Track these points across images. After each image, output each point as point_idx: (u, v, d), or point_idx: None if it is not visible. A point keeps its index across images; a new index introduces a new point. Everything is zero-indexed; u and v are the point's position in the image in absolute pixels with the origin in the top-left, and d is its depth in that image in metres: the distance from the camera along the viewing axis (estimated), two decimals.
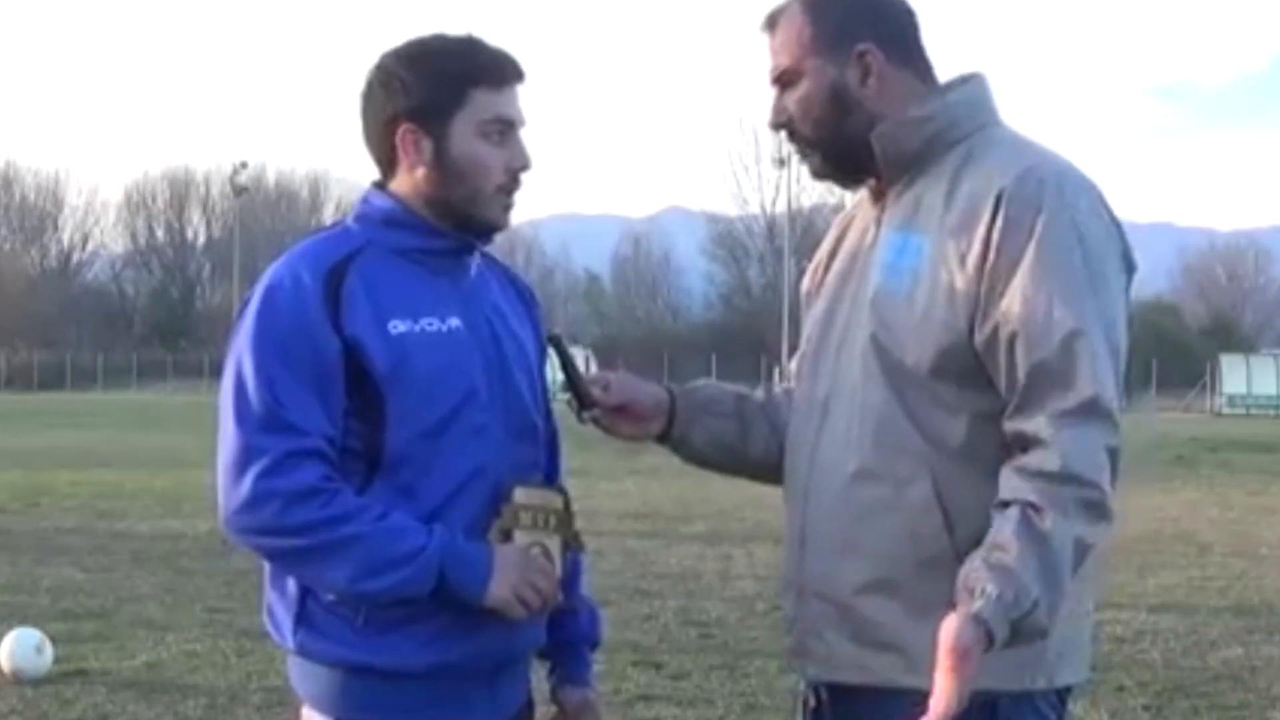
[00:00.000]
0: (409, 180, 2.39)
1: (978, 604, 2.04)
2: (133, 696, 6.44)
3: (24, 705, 6.29)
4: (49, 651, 6.79)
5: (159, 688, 6.62)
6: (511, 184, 2.39)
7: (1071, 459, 2.12)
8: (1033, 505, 2.10)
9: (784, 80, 2.38)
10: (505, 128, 2.36)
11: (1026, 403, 2.17)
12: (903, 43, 2.37)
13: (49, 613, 8.30)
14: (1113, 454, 2.15)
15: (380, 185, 2.44)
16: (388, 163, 2.41)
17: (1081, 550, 2.12)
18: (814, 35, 2.34)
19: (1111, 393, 2.15)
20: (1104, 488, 2.13)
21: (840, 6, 2.36)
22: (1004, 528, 2.10)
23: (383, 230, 2.39)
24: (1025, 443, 2.16)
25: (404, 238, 2.39)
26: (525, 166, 2.39)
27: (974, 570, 2.08)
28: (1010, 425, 2.18)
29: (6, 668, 6.70)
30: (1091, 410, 2.13)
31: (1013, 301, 2.17)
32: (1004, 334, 2.18)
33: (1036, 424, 2.15)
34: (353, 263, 2.34)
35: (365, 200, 2.44)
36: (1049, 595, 2.08)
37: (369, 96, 2.39)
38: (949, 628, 2.04)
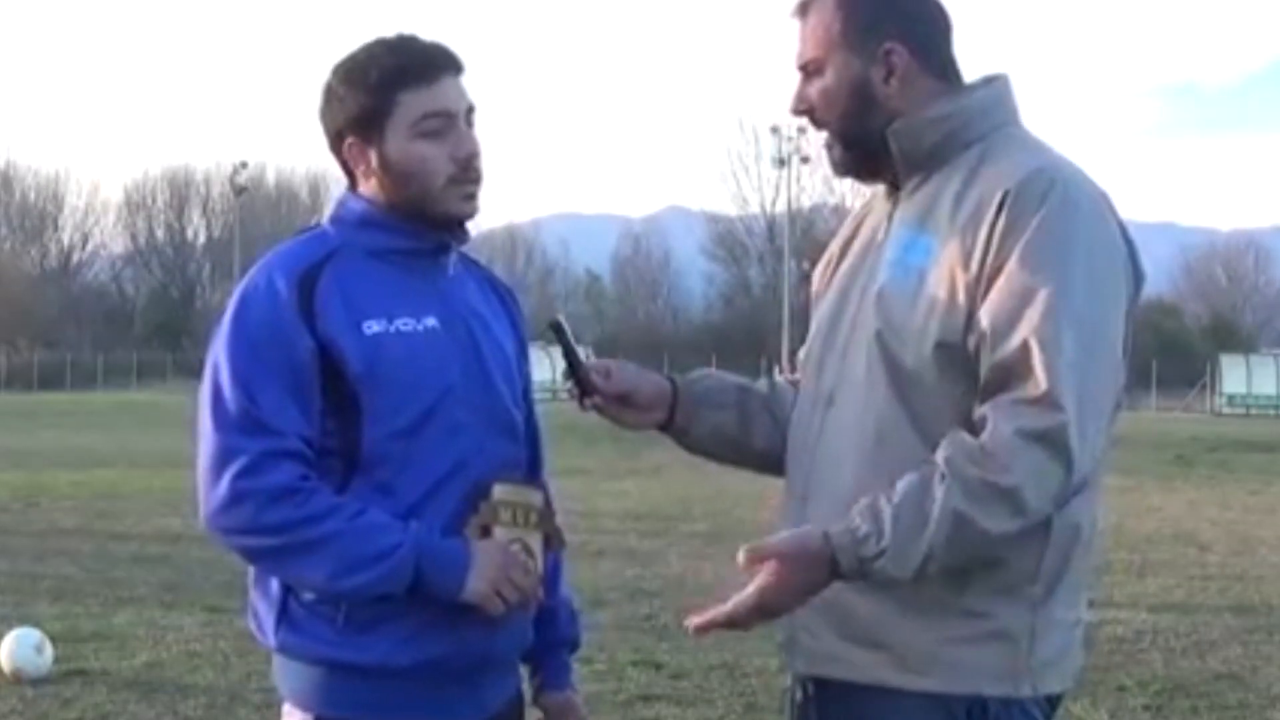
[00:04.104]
0: (368, 189, 2.43)
1: (836, 526, 2.13)
2: (133, 696, 6.44)
3: (24, 705, 6.29)
4: (49, 651, 6.79)
5: (159, 688, 6.62)
6: (463, 173, 2.40)
7: (994, 440, 2.10)
8: (940, 470, 2.12)
9: (809, 69, 2.40)
10: (443, 121, 2.38)
11: (983, 395, 2.17)
12: (931, 45, 2.38)
13: (49, 613, 8.31)
14: (1050, 445, 2.09)
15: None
16: (349, 174, 2.46)
17: (963, 526, 2.09)
18: (843, 28, 2.36)
19: (1068, 394, 2.10)
20: (1014, 473, 2.08)
21: (873, 2, 2.37)
22: (906, 477, 2.14)
23: (358, 232, 2.42)
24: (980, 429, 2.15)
25: (379, 239, 2.42)
26: (471, 153, 2.40)
27: (859, 503, 2.14)
28: (974, 415, 2.17)
29: (6, 668, 6.70)
30: (1037, 404, 2.10)
31: (990, 298, 2.18)
32: (981, 331, 2.18)
33: (984, 410, 2.15)
34: (327, 265, 2.37)
35: (341, 204, 2.48)
36: (904, 548, 2.09)
37: (320, 113, 2.45)
38: (794, 531, 2.15)
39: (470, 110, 2.42)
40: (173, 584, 9.55)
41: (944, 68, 2.39)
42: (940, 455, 2.13)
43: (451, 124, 2.39)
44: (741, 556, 2.14)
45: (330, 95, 2.42)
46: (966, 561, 2.16)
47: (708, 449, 2.61)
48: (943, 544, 2.10)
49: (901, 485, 2.13)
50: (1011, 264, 2.17)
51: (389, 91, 2.36)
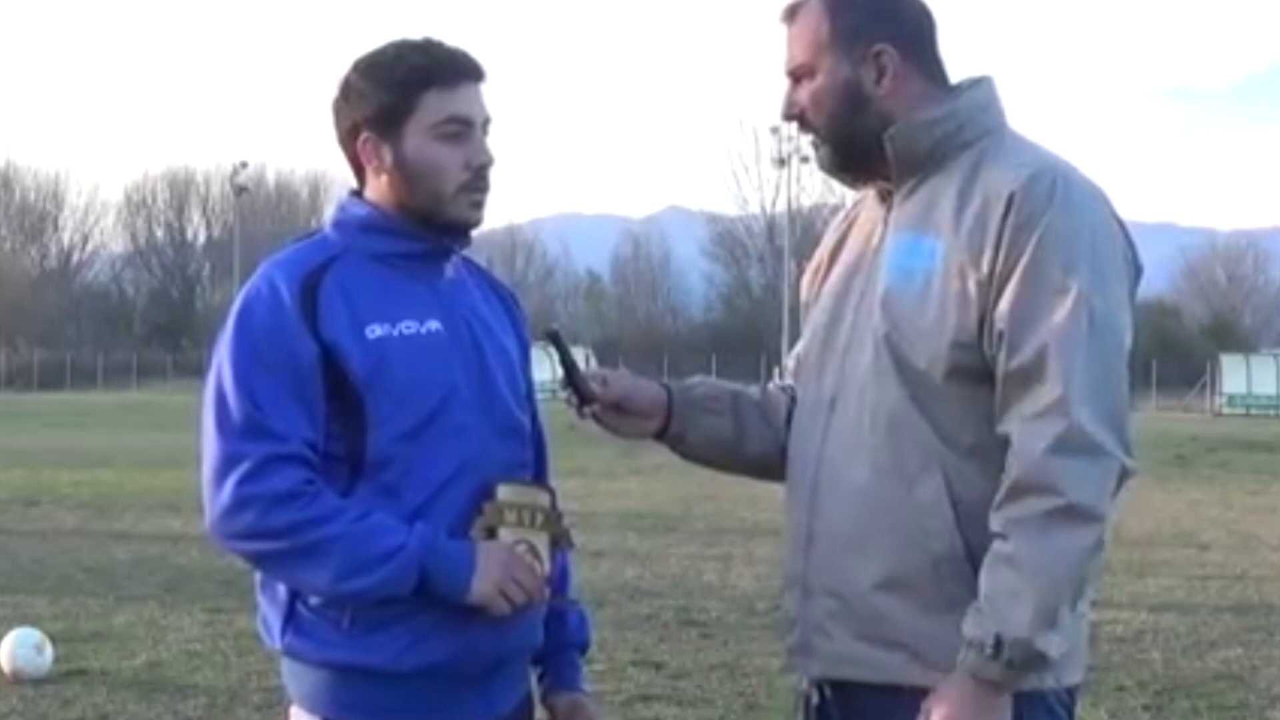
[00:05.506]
0: (377, 187, 2.43)
1: (962, 654, 2.16)
2: (133, 696, 6.44)
3: (24, 705, 6.29)
4: (49, 651, 6.80)
5: (159, 688, 6.63)
6: (475, 181, 2.40)
7: (1027, 467, 2.15)
8: (1002, 536, 2.17)
9: (798, 74, 2.41)
10: (462, 127, 2.38)
11: (1003, 405, 2.21)
12: (919, 45, 2.40)
13: (49, 613, 8.31)
14: (1078, 448, 2.14)
15: (357, 193, 2.47)
16: (358, 171, 2.45)
17: (1052, 564, 2.14)
18: (831, 32, 2.37)
19: (1082, 392, 2.16)
20: (1062, 490, 2.14)
21: (859, 5, 2.38)
22: (983, 570, 2.18)
23: (360, 236, 2.42)
24: (1007, 446, 2.20)
25: (381, 242, 2.41)
26: (486, 163, 2.41)
27: (964, 623, 2.18)
28: (998, 428, 2.22)
29: (6, 668, 6.70)
30: (1054, 411, 2.16)
31: (1006, 302, 2.21)
32: (997, 334, 2.21)
33: (1009, 427, 2.20)
34: (329, 269, 2.37)
35: (342, 208, 2.48)
36: (1014, 622, 2.13)
37: (335, 108, 2.44)
38: (933, 691, 2.18)
39: (487, 121, 2.42)
40: (173, 584, 9.55)
41: (933, 68, 2.41)
42: (994, 525, 2.18)
43: (470, 131, 2.39)
44: None
45: (349, 89, 2.41)
46: (1085, 582, 2.20)
47: (703, 455, 2.62)
48: (1049, 590, 2.14)
49: (981, 580, 2.17)
50: (1023, 265, 2.20)
51: (414, 91, 2.36)
